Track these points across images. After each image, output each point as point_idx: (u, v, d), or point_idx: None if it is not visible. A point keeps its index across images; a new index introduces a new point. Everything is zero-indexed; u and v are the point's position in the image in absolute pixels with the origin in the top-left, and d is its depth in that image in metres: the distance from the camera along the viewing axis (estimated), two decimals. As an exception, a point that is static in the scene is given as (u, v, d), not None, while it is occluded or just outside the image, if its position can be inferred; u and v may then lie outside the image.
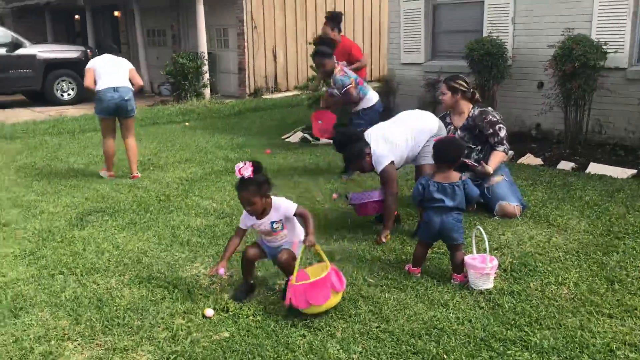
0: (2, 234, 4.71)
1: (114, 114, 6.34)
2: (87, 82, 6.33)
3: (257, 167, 3.17)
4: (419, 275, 3.71)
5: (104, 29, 20.03)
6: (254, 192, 3.19)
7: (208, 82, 13.76)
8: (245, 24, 14.10)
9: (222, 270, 3.31)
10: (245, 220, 3.39)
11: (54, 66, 13.77)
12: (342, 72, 5.86)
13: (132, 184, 6.17)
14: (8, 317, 3.30)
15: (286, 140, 8.52)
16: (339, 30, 7.04)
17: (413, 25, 8.85)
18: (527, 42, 7.48)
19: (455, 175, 3.63)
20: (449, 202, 3.57)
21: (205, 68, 13.55)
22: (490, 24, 7.79)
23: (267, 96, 14.31)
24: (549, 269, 3.72)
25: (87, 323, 3.20)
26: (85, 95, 14.30)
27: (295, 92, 13.33)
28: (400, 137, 4.33)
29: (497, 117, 4.86)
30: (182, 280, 3.71)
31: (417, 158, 4.48)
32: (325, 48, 5.97)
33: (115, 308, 3.36)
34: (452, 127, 4.95)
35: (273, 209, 3.32)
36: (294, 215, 3.33)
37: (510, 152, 5.74)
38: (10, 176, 6.73)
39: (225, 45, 15.22)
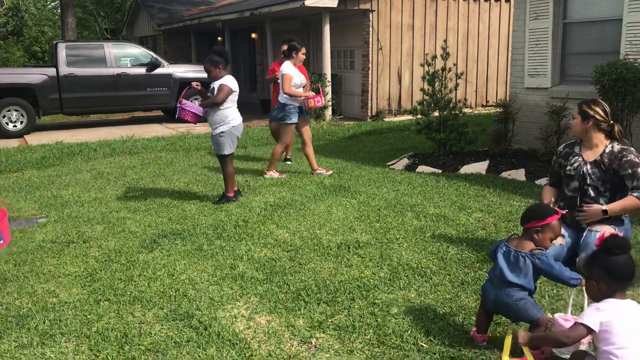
0: (77, 252, 4.78)
1: None
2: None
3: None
4: (484, 343, 3.09)
5: (241, 50, 20.93)
6: None
7: (329, 103, 13.70)
8: (370, 45, 13.86)
9: None
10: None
11: (187, 85, 14.45)
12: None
13: (218, 206, 6.07)
14: (35, 345, 3.22)
15: (391, 167, 8.04)
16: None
17: (539, 46, 7.98)
18: (674, 66, 6.36)
19: (528, 244, 2.93)
20: (509, 275, 2.91)
21: (328, 89, 13.49)
22: (629, 45, 6.75)
23: (388, 119, 13.91)
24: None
25: (102, 362, 3.02)
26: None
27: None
28: None
29: None
30: (217, 322, 3.42)
31: None
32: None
33: (136, 347, 3.14)
34: (582, 161, 4.10)
35: None
36: None
37: None
38: (115, 190, 6.98)
39: (350, 67, 15.10)
